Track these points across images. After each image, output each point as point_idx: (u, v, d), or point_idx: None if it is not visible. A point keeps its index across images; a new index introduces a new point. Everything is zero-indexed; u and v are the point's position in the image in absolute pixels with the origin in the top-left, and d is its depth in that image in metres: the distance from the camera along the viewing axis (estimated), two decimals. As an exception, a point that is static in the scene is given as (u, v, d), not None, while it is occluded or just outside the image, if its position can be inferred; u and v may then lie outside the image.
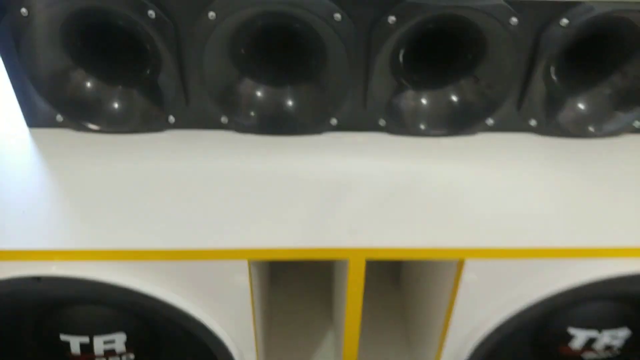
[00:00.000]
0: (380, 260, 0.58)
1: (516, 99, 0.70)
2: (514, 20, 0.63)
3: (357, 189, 0.64)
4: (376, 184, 0.65)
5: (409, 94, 0.71)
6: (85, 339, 0.64)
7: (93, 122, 0.71)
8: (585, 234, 0.58)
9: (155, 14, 0.62)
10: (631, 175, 0.67)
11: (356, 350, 0.70)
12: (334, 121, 0.72)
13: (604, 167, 0.68)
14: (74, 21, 0.65)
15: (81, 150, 0.70)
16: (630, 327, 0.64)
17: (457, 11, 0.63)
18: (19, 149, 0.70)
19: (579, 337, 0.64)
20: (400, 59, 0.69)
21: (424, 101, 0.72)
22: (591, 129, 0.72)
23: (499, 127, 0.72)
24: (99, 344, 0.64)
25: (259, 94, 0.71)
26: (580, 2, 0.62)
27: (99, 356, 0.65)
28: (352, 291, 0.62)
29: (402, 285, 0.96)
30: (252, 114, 0.71)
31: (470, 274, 0.59)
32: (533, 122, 0.72)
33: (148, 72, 0.70)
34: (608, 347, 0.65)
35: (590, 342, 0.65)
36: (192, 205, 0.61)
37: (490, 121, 0.72)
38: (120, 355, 0.66)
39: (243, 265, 0.58)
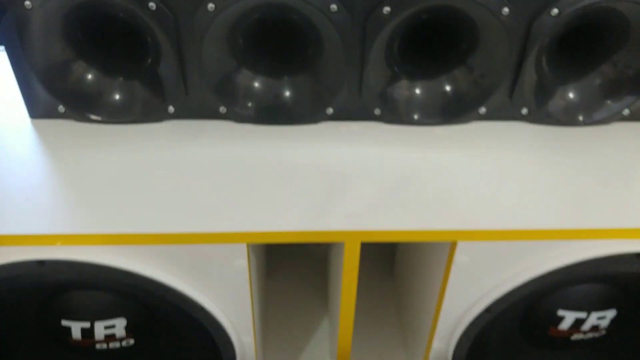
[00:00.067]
0: (375, 242, 0.59)
1: (508, 88, 0.72)
2: (506, 10, 0.64)
3: (353, 175, 0.65)
4: (371, 171, 0.66)
5: (404, 83, 0.73)
6: (87, 324, 0.65)
7: (94, 113, 0.73)
8: (574, 217, 0.60)
9: (156, 6, 0.64)
10: (619, 161, 0.69)
11: (350, 334, 0.72)
12: (330, 111, 0.73)
13: (593, 153, 0.70)
14: (76, 14, 0.66)
15: (83, 139, 0.71)
16: (617, 308, 0.66)
17: (450, 2, 0.64)
18: (22, 139, 0.71)
19: (568, 318, 0.65)
20: (395, 49, 0.70)
21: (418, 90, 0.73)
22: (581, 117, 0.74)
23: (491, 116, 0.74)
24: (100, 329, 0.65)
25: (256, 84, 0.73)
26: (569, -8, 0.64)
27: (100, 341, 0.67)
28: (348, 274, 0.63)
29: (396, 274, 0.97)
30: (250, 104, 0.73)
31: (462, 256, 0.60)
32: (525, 111, 0.73)
33: (148, 63, 0.71)
34: (594, 327, 0.67)
35: (578, 323, 0.66)
36: (192, 191, 0.63)
37: (482, 110, 0.73)
38: (121, 340, 0.67)
39: (242, 248, 0.59)
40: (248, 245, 0.60)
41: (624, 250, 0.58)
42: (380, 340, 0.90)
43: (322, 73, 0.71)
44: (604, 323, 0.67)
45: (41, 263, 0.57)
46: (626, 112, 0.74)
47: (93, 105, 0.73)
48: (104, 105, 0.73)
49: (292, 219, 0.59)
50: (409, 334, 0.85)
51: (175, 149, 0.69)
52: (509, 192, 0.63)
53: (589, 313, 0.66)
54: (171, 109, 0.73)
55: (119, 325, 0.66)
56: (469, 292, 0.63)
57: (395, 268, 0.98)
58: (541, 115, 0.74)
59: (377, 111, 0.73)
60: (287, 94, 0.73)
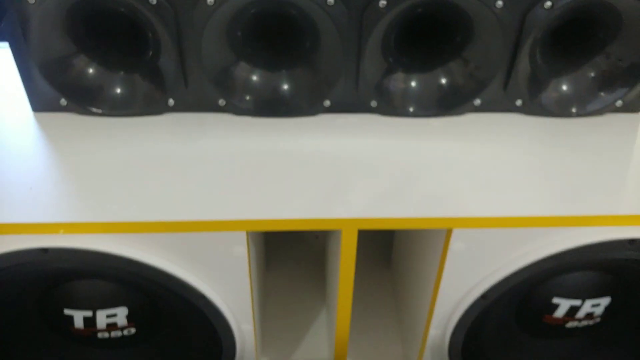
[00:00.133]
0: (372, 230, 0.61)
1: (502, 80, 0.72)
2: (500, 3, 0.65)
3: (350, 165, 0.67)
4: (368, 161, 0.67)
5: (400, 76, 0.74)
6: (89, 313, 0.66)
7: (96, 106, 0.74)
8: (568, 204, 0.61)
9: (157, 0, 0.65)
10: (612, 150, 0.70)
11: (348, 323, 0.73)
12: (327, 103, 0.74)
13: (586, 143, 0.71)
14: (78, 8, 0.67)
15: (84, 132, 0.72)
16: (611, 295, 0.67)
17: (445, -5, 0.65)
18: (25, 132, 0.72)
19: (563, 306, 0.66)
20: (391, 42, 0.71)
21: (413, 83, 0.74)
22: (574, 108, 0.75)
23: (486, 108, 0.75)
24: (102, 318, 0.66)
25: (254, 77, 0.74)
26: (562, -15, 0.65)
27: (102, 330, 0.67)
28: (345, 262, 0.64)
29: (393, 264, 0.99)
30: (249, 97, 0.74)
31: (458, 243, 0.61)
32: (519, 102, 0.74)
33: (149, 57, 0.72)
34: (589, 315, 0.68)
35: (573, 311, 0.67)
36: (192, 181, 0.64)
37: (477, 101, 0.74)
38: (122, 328, 0.68)
39: (241, 236, 0.60)
40: (247, 233, 0.61)
41: (616, 236, 0.59)
42: (377, 328, 0.91)
43: (319, 66, 0.72)
44: (599, 310, 0.68)
45: (44, 251, 0.58)
46: (619, 103, 0.75)
47: (94, 99, 0.74)
48: (105, 98, 0.74)
49: (291, 208, 0.60)
50: (406, 321, 0.86)
51: (176, 141, 0.70)
52: (504, 181, 0.64)
53: (583, 300, 0.67)
54: (171, 101, 0.74)
55: (121, 314, 0.67)
56: (465, 278, 0.64)
57: (392, 258, 0.99)
58: (535, 106, 0.75)
59: (373, 103, 0.74)
60: (285, 86, 0.74)
